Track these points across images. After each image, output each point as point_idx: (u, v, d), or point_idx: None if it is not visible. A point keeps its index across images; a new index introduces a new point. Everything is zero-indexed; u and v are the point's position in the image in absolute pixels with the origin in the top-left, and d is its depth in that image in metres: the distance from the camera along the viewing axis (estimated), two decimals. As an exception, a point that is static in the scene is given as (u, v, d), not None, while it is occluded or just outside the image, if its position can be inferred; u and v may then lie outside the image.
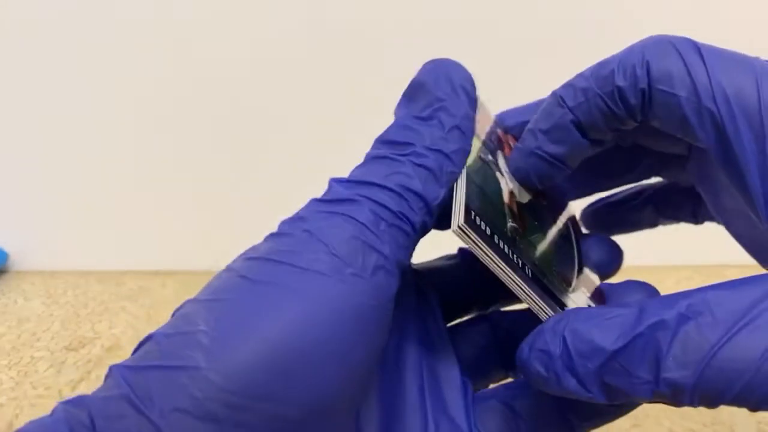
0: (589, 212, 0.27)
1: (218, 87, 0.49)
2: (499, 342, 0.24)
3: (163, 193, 0.51)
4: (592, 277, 0.23)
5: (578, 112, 0.20)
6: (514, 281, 0.18)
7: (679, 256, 0.48)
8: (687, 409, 0.31)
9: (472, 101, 0.20)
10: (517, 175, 0.22)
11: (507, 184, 0.22)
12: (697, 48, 0.18)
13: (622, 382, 0.16)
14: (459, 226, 0.18)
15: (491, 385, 0.23)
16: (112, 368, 0.16)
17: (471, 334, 0.24)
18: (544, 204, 0.24)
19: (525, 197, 0.22)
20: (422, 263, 0.25)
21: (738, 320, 0.15)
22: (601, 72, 0.19)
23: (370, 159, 0.19)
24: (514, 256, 0.19)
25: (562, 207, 0.26)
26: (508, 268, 0.18)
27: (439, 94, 0.20)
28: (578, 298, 0.21)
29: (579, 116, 0.20)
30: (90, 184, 0.51)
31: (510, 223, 0.20)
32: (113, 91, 0.49)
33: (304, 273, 0.16)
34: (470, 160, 0.20)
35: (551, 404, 0.20)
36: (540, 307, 0.19)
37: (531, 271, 0.19)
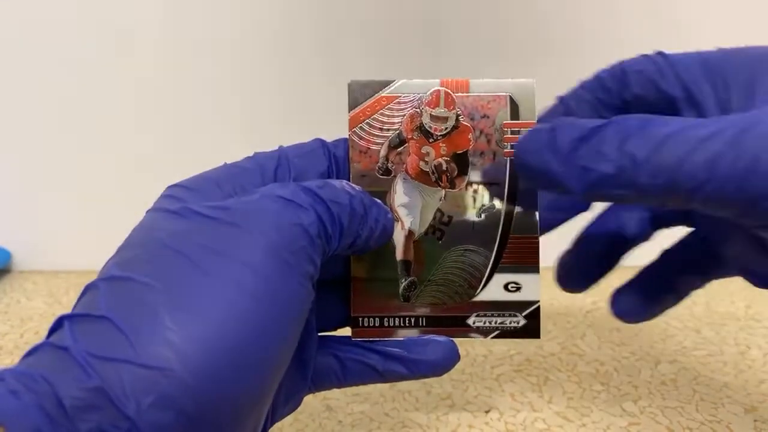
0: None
1: (219, 88, 0.49)
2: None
3: (165, 193, 0.51)
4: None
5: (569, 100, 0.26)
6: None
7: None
8: (685, 408, 0.31)
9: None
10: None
11: (403, 225, 0.25)
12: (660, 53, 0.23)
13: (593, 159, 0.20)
14: (353, 338, 0.24)
15: None
16: (70, 349, 0.16)
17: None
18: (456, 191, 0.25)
19: (426, 221, 0.25)
20: None
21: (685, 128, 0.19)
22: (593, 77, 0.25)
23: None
24: (406, 320, 0.24)
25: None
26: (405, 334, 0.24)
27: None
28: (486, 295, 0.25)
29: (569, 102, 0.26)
30: (92, 184, 0.51)
31: (403, 282, 0.24)
32: (115, 91, 0.50)
33: (254, 274, 0.18)
34: None
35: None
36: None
37: (425, 319, 0.24)
